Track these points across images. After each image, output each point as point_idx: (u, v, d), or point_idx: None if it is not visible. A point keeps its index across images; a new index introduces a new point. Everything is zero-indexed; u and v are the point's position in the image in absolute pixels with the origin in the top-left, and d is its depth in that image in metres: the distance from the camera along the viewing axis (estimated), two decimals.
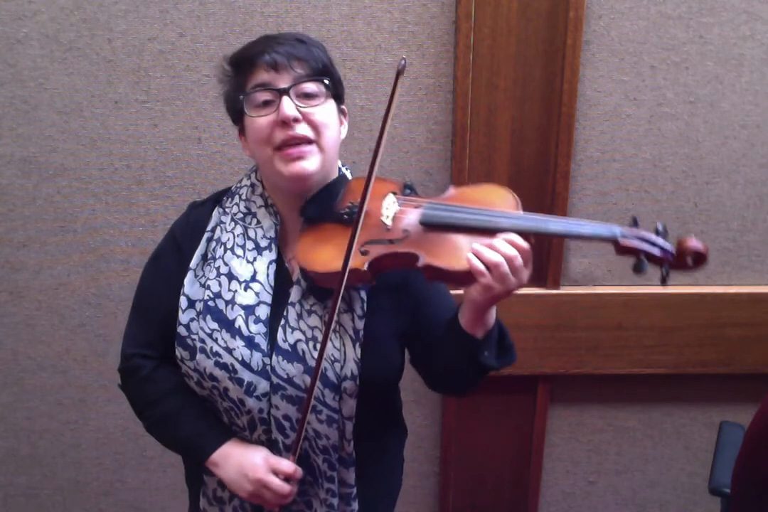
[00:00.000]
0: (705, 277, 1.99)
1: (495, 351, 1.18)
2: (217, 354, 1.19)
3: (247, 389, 1.18)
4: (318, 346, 1.18)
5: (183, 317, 1.23)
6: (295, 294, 1.21)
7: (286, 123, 1.14)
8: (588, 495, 2.24)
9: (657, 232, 1.11)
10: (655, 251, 1.09)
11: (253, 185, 1.27)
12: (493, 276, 1.06)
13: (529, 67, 1.78)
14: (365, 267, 1.13)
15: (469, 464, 2.15)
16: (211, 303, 1.21)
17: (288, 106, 1.14)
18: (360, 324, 1.20)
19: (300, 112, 1.15)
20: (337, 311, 1.13)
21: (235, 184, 1.31)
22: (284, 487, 1.19)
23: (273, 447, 1.23)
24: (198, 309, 1.22)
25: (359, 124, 1.83)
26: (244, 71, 1.18)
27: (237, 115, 1.22)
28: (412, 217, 1.16)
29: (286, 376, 1.19)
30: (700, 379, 2.06)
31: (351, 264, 1.13)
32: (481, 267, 1.06)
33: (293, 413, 1.20)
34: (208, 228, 1.27)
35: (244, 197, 1.26)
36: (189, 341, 1.22)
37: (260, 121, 1.16)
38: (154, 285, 1.30)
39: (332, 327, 1.14)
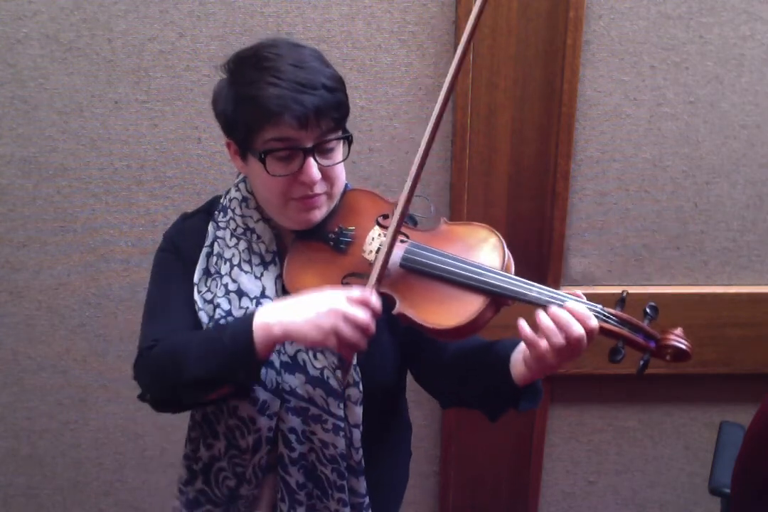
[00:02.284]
0: (705, 277, 1.99)
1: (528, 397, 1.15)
2: None
3: (261, 407, 1.16)
4: (318, 355, 1.17)
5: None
6: None
7: (306, 183, 1.10)
8: (588, 495, 2.23)
9: (645, 314, 1.03)
10: (638, 338, 1.00)
11: (245, 199, 1.22)
12: (548, 346, 0.99)
13: (529, 67, 1.78)
14: None
15: (468, 463, 2.15)
16: (222, 321, 1.17)
17: (314, 170, 1.09)
18: None
19: (321, 170, 1.11)
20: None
21: (223, 195, 1.26)
22: (365, 316, 1.00)
23: (275, 468, 1.21)
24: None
25: (359, 124, 1.83)
26: (265, 116, 1.06)
27: (238, 143, 1.14)
28: (394, 255, 1.09)
29: (288, 388, 1.17)
30: (700, 379, 2.06)
31: None
32: (530, 335, 1.00)
33: (298, 425, 1.18)
34: (206, 243, 1.22)
35: (238, 213, 1.21)
36: None
37: (279, 178, 1.10)
38: (165, 290, 1.24)
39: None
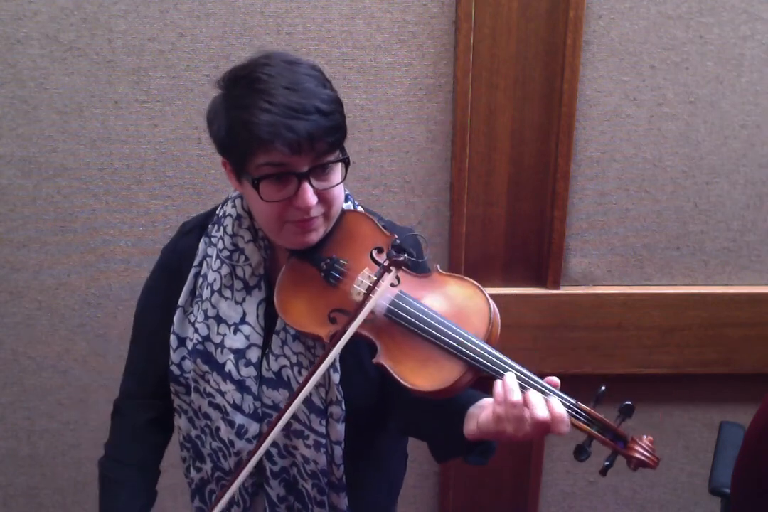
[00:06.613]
0: (705, 277, 1.99)
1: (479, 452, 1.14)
2: (210, 394, 1.18)
3: (238, 431, 1.17)
4: (302, 371, 1.16)
5: (174, 356, 1.21)
6: (280, 322, 1.17)
7: (301, 208, 1.06)
8: (588, 495, 2.23)
9: (619, 413, 1.02)
10: (606, 438, 1.00)
11: (239, 217, 1.18)
12: (508, 413, 0.98)
13: (529, 67, 1.78)
14: (327, 339, 1.09)
15: (468, 464, 2.14)
16: (200, 346, 1.18)
17: (308, 195, 1.05)
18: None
19: (317, 194, 1.07)
20: (325, 367, 1.07)
21: (219, 208, 1.24)
22: None
23: (260, 487, 1.22)
24: (189, 349, 1.20)
25: (359, 124, 1.83)
26: (256, 143, 1.02)
27: (232, 165, 1.11)
28: (381, 301, 1.07)
29: (271, 403, 1.17)
30: (700, 379, 2.06)
31: (315, 330, 1.10)
32: (502, 394, 0.99)
33: (280, 439, 1.19)
34: (195, 262, 1.21)
35: (229, 231, 1.18)
36: (182, 379, 1.21)
37: (274, 203, 1.07)
38: (151, 319, 1.27)
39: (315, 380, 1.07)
